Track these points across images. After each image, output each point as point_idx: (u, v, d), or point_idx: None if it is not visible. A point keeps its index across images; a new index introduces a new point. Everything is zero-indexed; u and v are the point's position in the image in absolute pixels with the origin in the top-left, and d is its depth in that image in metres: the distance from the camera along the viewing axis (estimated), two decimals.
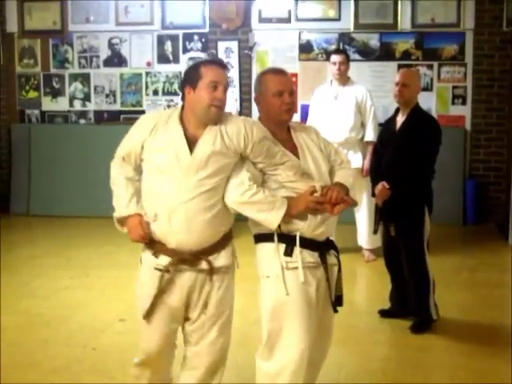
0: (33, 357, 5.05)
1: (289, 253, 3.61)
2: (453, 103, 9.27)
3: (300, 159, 3.63)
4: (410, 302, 5.56)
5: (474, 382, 4.60)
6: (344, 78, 7.54)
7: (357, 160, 7.45)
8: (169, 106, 9.76)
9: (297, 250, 3.58)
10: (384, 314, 5.75)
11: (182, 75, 3.67)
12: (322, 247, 3.67)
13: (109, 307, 6.01)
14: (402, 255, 5.53)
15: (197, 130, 3.53)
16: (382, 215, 5.59)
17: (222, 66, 3.59)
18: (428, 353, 5.13)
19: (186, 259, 3.55)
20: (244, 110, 9.41)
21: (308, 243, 3.61)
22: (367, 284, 7.25)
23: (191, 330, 3.73)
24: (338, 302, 3.80)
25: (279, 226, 3.58)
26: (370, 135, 7.48)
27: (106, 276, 6.91)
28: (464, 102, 9.19)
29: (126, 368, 4.75)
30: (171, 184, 3.48)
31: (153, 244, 3.58)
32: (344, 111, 7.45)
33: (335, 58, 7.49)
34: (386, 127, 5.84)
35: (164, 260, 3.55)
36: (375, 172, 5.77)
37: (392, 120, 5.74)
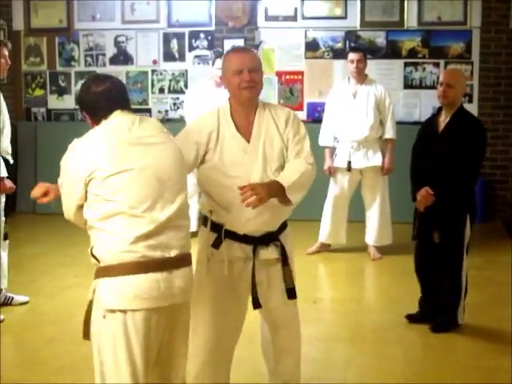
0: (38, 355, 5.04)
1: (216, 244, 3.70)
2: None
3: (250, 144, 3.67)
4: (439, 304, 5.48)
5: (483, 381, 4.58)
6: (362, 76, 7.49)
7: (376, 159, 7.43)
8: (174, 104, 9.74)
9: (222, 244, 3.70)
10: (411, 318, 5.65)
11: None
12: (256, 241, 3.69)
13: None
14: (440, 260, 5.44)
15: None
16: (423, 221, 5.45)
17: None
18: (436, 351, 5.12)
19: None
20: None
21: (239, 237, 3.67)
22: (374, 282, 7.22)
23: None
24: (290, 294, 3.79)
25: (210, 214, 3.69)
26: (390, 133, 7.46)
27: None
28: (471, 100, 9.15)
29: None
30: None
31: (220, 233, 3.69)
32: (363, 109, 7.39)
33: (352, 55, 7.44)
34: (427, 128, 5.62)
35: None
36: (416, 175, 5.54)
37: (434, 120, 5.56)
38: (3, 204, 5.84)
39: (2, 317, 5.68)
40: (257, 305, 3.73)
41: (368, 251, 7.55)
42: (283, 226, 3.83)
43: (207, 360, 3.77)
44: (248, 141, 3.66)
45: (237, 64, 3.64)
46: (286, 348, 3.96)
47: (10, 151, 5.82)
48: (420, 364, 4.96)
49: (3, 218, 5.83)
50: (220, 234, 3.68)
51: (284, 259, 3.75)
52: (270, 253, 3.73)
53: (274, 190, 3.53)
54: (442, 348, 5.19)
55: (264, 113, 3.73)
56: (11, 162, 5.92)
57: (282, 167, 3.68)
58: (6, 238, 5.88)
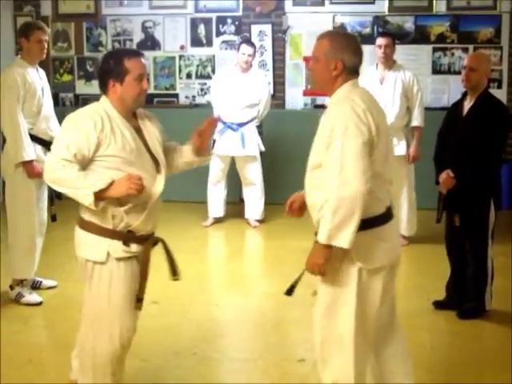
0: (67, 339, 5.08)
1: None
2: (488, 86, 9.15)
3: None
4: (467, 290, 5.48)
5: (506, 368, 4.56)
6: (390, 62, 7.39)
7: (401, 147, 7.28)
8: (202, 90, 9.75)
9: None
10: (438, 305, 5.65)
11: (100, 68, 3.83)
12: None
13: None
14: (465, 245, 5.44)
15: (131, 120, 3.74)
16: (446, 204, 5.46)
17: (141, 55, 3.76)
18: (463, 338, 5.12)
19: (156, 241, 3.83)
20: (277, 94, 9.38)
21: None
22: (400, 269, 7.17)
23: None
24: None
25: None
26: (418, 120, 7.34)
27: None
28: (500, 86, 9.07)
29: (160, 350, 4.80)
30: (141, 175, 3.59)
31: (122, 235, 3.68)
32: (390, 96, 7.27)
33: (380, 40, 7.35)
34: (452, 112, 5.63)
35: (135, 247, 3.71)
36: (439, 159, 5.55)
37: (459, 105, 5.55)
38: (46, 189, 5.88)
39: (40, 299, 5.75)
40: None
41: None
42: None
43: None
44: None
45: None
46: None
47: (51, 133, 5.77)
48: (447, 350, 4.95)
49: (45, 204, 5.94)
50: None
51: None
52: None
53: None
54: (470, 334, 5.19)
55: None
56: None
57: None
58: (54, 219, 5.95)
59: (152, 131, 3.79)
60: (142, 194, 3.57)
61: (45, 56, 5.85)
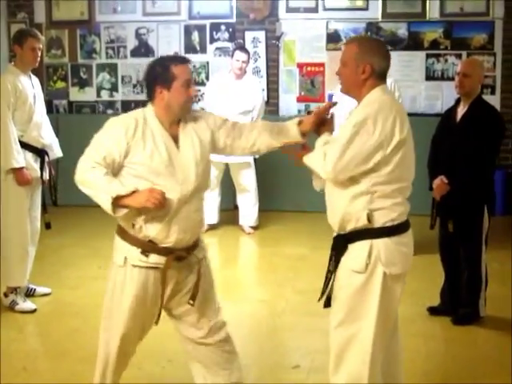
0: (62, 346, 5.09)
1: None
2: (482, 93, 9.16)
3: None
4: (461, 296, 5.49)
5: (505, 374, 4.56)
6: None
7: None
8: (195, 96, 9.73)
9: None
10: (433, 311, 5.66)
11: (146, 75, 3.71)
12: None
13: None
14: (460, 251, 5.46)
15: (172, 128, 3.65)
16: (440, 210, 5.48)
17: (188, 61, 3.77)
18: (458, 344, 5.12)
19: (181, 256, 3.66)
20: (271, 100, 9.40)
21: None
22: None
23: (183, 316, 3.83)
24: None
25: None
26: None
27: None
28: (493, 92, 9.10)
29: (155, 357, 4.79)
30: (167, 185, 3.53)
31: (141, 243, 3.62)
32: None
33: None
34: (446, 118, 5.64)
35: (155, 258, 3.62)
36: (433, 164, 5.56)
37: (452, 111, 5.56)
38: (40, 196, 5.91)
39: (34, 306, 5.74)
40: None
41: None
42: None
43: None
44: None
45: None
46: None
47: (43, 141, 5.81)
48: (442, 356, 4.95)
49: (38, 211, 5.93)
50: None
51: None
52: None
53: None
54: (464, 341, 5.19)
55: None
56: (54, 154, 6.04)
57: None
58: (48, 227, 5.96)
59: (190, 140, 3.66)
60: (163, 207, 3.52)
61: (38, 64, 5.85)
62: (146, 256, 3.60)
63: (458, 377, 4.59)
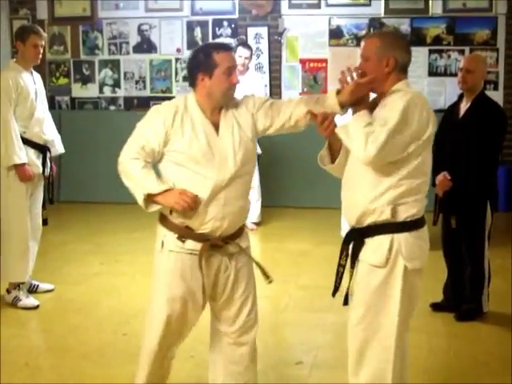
0: (64, 342, 5.09)
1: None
2: (484, 88, 9.12)
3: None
4: (464, 292, 5.48)
5: (508, 370, 4.55)
6: None
7: None
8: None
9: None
10: (436, 307, 5.65)
11: (189, 62, 3.67)
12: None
13: (139, 293, 6.01)
14: (462, 247, 5.45)
15: (214, 116, 3.60)
16: (443, 206, 5.47)
17: (231, 48, 3.69)
18: (461, 340, 5.11)
19: (217, 244, 3.59)
20: (273, 96, 9.38)
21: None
22: None
23: (225, 313, 3.78)
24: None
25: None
26: None
27: (136, 262, 6.92)
28: (496, 88, 9.09)
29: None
30: (207, 172, 3.50)
31: (178, 229, 3.59)
32: None
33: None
34: (449, 114, 5.63)
35: (191, 245, 3.57)
36: (435, 161, 5.55)
37: (455, 107, 5.55)
38: (41, 193, 5.92)
39: (36, 302, 5.74)
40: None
41: None
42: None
43: None
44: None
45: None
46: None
47: (45, 137, 5.81)
48: (445, 352, 4.94)
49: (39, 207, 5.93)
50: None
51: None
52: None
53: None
54: (467, 336, 5.18)
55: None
56: (56, 150, 6.04)
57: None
58: (45, 223, 5.96)
59: (230, 127, 3.61)
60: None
61: (40, 61, 5.84)
62: (183, 242, 3.58)
63: (461, 373, 4.59)
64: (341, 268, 3.54)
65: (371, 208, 3.37)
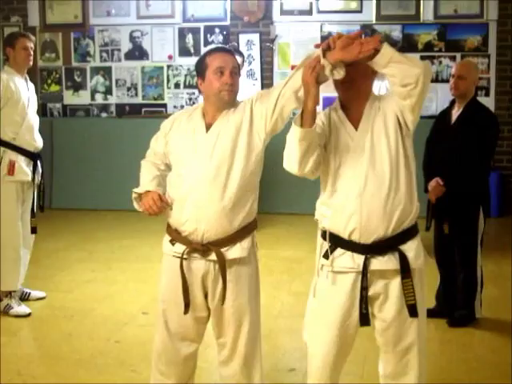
0: (57, 350, 5.07)
1: (326, 255, 3.29)
2: (476, 94, 9.16)
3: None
4: (457, 298, 5.49)
5: (501, 376, 4.56)
6: None
7: None
8: (190, 100, 9.76)
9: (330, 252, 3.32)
10: (429, 313, 5.62)
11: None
12: (368, 250, 3.22)
13: (132, 300, 6.01)
14: (455, 253, 5.45)
15: (214, 119, 3.56)
16: (435, 212, 5.48)
17: (227, 51, 3.63)
18: (454, 346, 5.11)
19: (197, 249, 3.54)
20: None
21: (349, 245, 3.24)
22: None
23: (214, 322, 3.74)
24: (411, 311, 3.41)
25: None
26: None
27: (128, 269, 6.92)
28: (487, 94, 9.12)
29: (149, 361, 4.76)
30: (186, 172, 3.51)
31: (170, 231, 3.62)
32: None
33: None
34: (440, 120, 5.64)
35: (179, 248, 3.57)
36: (428, 166, 5.54)
37: (447, 113, 5.57)
38: (31, 200, 5.90)
39: (28, 310, 5.72)
40: (365, 321, 3.37)
41: None
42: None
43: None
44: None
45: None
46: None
47: (36, 144, 5.80)
48: (438, 358, 4.94)
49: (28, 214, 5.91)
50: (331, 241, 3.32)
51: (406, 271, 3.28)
52: (384, 263, 3.26)
53: None
54: (460, 342, 5.18)
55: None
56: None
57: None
58: (34, 231, 5.93)
59: (221, 127, 3.49)
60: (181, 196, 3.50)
61: (32, 64, 5.84)
62: (173, 245, 3.59)
63: (454, 378, 4.59)
64: (364, 291, 3.26)
65: (407, 211, 3.19)
